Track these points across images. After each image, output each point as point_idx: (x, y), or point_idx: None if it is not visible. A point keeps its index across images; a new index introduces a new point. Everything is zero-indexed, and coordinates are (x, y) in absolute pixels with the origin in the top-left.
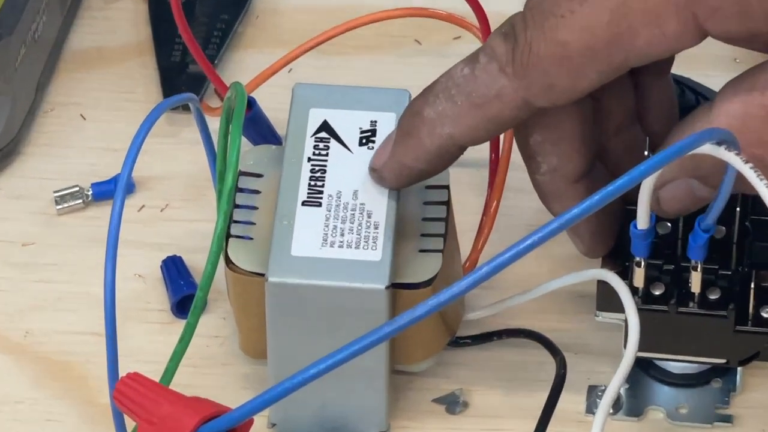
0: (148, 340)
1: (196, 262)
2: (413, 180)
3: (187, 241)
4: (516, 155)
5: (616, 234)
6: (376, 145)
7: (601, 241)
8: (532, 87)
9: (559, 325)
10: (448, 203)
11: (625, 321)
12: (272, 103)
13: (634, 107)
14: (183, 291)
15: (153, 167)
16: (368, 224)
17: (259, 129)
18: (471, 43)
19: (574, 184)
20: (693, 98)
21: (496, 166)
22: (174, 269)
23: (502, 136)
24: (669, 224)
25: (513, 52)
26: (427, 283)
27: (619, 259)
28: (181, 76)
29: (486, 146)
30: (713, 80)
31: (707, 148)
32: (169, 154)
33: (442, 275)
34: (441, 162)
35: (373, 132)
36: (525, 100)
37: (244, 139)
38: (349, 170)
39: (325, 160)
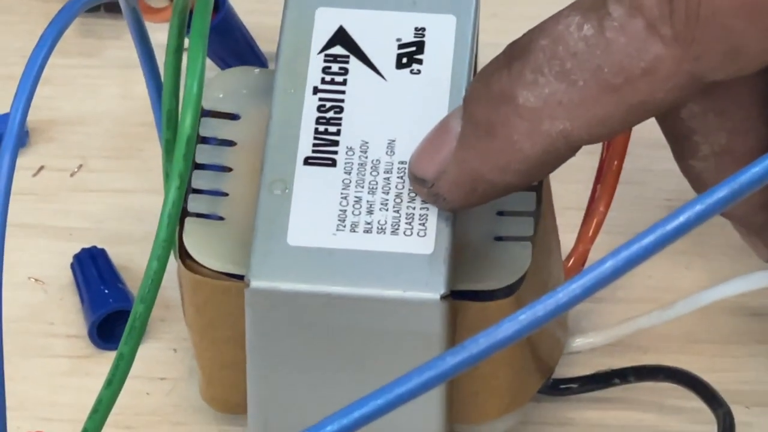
0: (52, 385)
1: (130, 258)
2: (491, 198)
3: (114, 224)
4: None
5: None
6: (426, 70)
7: None
8: (707, 55)
9: (717, 362)
10: None
11: None
12: (250, 2)
13: None
14: (109, 306)
15: (58, 106)
16: (413, 195)
17: (231, 43)
18: None
19: None
20: None
21: None
22: (93, 270)
23: None
24: None
25: (671, 2)
26: (508, 291)
27: None
28: None
29: None
30: None
31: None
32: (84, 85)
33: (533, 279)
34: (541, 171)
35: (420, 46)
36: (692, 75)
37: (208, 61)
38: (381, 108)
39: (342, 92)
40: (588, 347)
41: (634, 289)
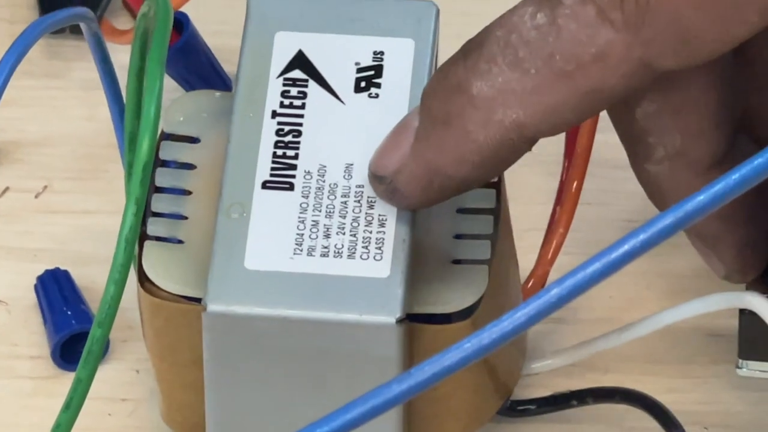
0: (15, 407)
1: (93, 279)
2: (448, 194)
3: (78, 246)
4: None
5: None
6: (384, 94)
7: (751, 260)
8: (657, 41)
9: (678, 383)
10: (498, 186)
11: None
12: (215, 23)
13: None
14: (71, 327)
15: (23, 127)
16: (369, 219)
17: (195, 65)
18: None
19: (708, 173)
20: None
21: (577, 127)
22: (56, 292)
23: None
24: None
25: None
26: (465, 314)
27: None
28: None
29: None
30: None
31: None
32: (49, 106)
33: (490, 302)
34: (497, 164)
35: (378, 70)
36: (643, 62)
37: (169, 82)
38: (339, 132)
39: (301, 116)
40: (547, 368)
41: (595, 310)
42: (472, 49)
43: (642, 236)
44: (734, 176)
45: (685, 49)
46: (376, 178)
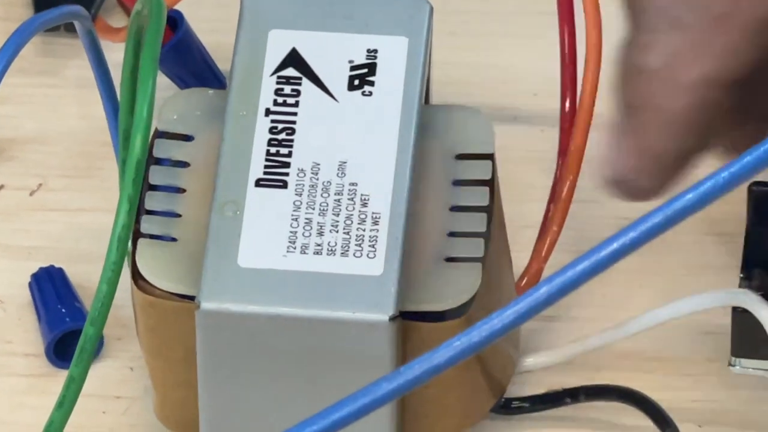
0: (10, 404)
1: (88, 277)
2: (680, 167)
3: (73, 243)
4: (603, 103)
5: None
6: (377, 91)
7: (665, 169)
8: None
9: (672, 381)
10: (492, 183)
11: None
12: (209, 21)
13: None
14: (65, 325)
15: (18, 125)
16: (363, 217)
17: (189, 62)
18: None
19: None
20: None
21: (572, 124)
22: (50, 289)
23: (580, 76)
24: None
25: None
26: (458, 312)
27: (765, 274)
28: None
29: (553, 87)
30: None
31: None
32: (45, 104)
33: (483, 299)
34: (705, 121)
35: (372, 68)
36: None
37: (164, 80)
38: (333, 130)
39: (294, 114)
40: (540, 366)
41: (588, 308)
42: (630, 27)
43: (631, 234)
44: (723, 174)
45: None
46: (614, 184)
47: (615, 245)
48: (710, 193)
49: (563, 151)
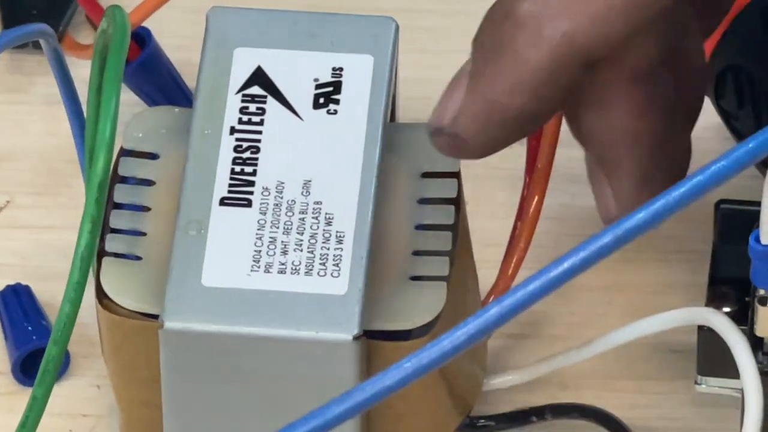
0: None
1: (54, 295)
2: (511, 132)
3: (40, 261)
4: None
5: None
6: (343, 110)
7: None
8: None
9: (637, 399)
10: (458, 201)
11: (742, 393)
12: (177, 38)
13: None
14: (31, 343)
15: None
16: (327, 236)
17: (156, 80)
18: None
19: (629, 85)
20: None
21: (538, 142)
22: (17, 307)
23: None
24: None
25: None
26: (423, 331)
27: (731, 292)
28: None
29: None
30: None
31: None
32: (12, 121)
33: (448, 318)
34: (554, 89)
35: (337, 86)
36: None
37: (132, 97)
38: (298, 149)
39: (259, 132)
40: (507, 384)
41: (556, 326)
42: None
43: (582, 254)
44: (674, 194)
45: None
46: (436, 131)
47: (565, 265)
48: (661, 212)
49: (530, 169)
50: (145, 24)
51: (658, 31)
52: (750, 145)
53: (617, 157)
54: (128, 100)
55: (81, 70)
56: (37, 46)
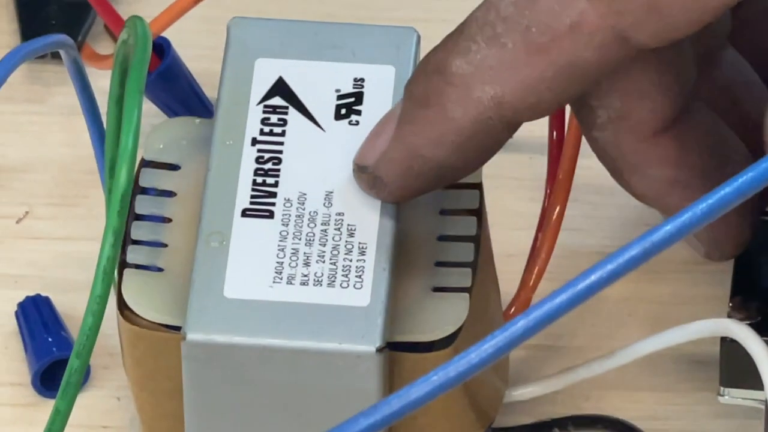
0: None
1: (74, 306)
2: (430, 183)
3: (59, 272)
4: None
5: (754, 223)
6: (365, 121)
7: (731, 238)
8: (630, 11)
9: (660, 411)
10: (479, 212)
11: (766, 404)
12: (197, 48)
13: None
14: (51, 354)
15: (4, 152)
16: (350, 247)
17: (176, 90)
18: None
19: (654, 138)
20: None
21: (559, 152)
22: (37, 318)
23: (568, 107)
24: None
25: None
26: (446, 343)
27: (753, 303)
28: (50, 5)
29: (543, 121)
30: None
31: None
32: (31, 132)
33: (471, 330)
34: (477, 149)
35: (359, 97)
36: (616, 32)
37: (152, 108)
38: (319, 160)
39: (281, 143)
40: (529, 396)
41: (578, 337)
42: (452, 32)
43: (609, 267)
44: (701, 206)
45: (658, 20)
46: (359, 168)
47: (593, 277)
48: (688, 224)
49: (551, 179)
50: (164, 34)
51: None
52: None
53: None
54: (148, 110)
55: (100, 81)
56: (55, 56)
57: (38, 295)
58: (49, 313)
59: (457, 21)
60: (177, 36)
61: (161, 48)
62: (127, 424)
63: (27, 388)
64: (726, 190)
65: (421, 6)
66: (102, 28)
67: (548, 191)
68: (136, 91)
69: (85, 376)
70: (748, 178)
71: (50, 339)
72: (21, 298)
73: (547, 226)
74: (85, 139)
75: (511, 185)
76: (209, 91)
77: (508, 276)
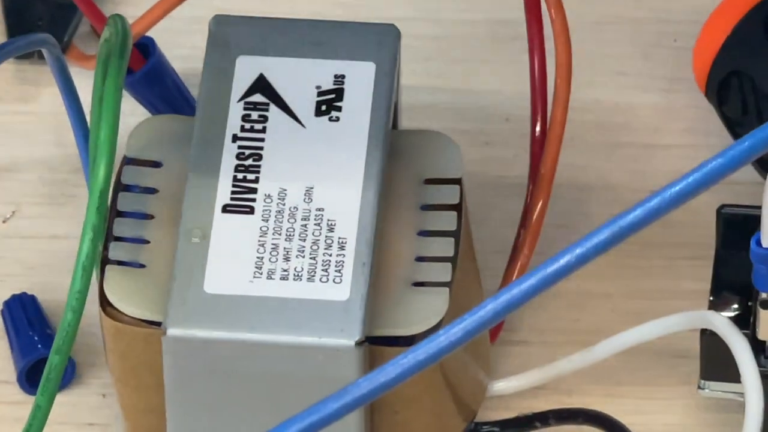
0: None
1: (60, 304)
2: None
3: (46, 271)
4: (573, 127)
5: None
6: (345, 117)
7: None
8: None
9: (643, 405)
10: (460, 207)
11: (744, 396)
12: (182, 47)
13: None
14: (37, 352)
15: None
16: (329, 242)
17: (161, 89)
18: None
19: None
20: None
21: (542, 148)
22: (22, 317)
23: (550, 99)
24: None
25: None
26: (425, 337)
27: (733, 297)
28: (36, 5)
29: (525, 113)
30: None
31: None
32: (19, 131)
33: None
34: None
35: (339, 94)
36: None
37: (137, 106)
38: (300, 156)
39: (261, 140)
40: (511, 390)
41: (560, 332)
42: None
43: (578, 251)
44: (670, 191)
45: None
46: None
47: (561, 261)
48: (656, 209)
49: (534, 176)
50: (150, 34)
51: None
52: (746, 143)
53: None
54: (134, 110)
55: (86, 80)
56: (42, 56)
57: (24, 294)
58: (34, 311)
59: (444, 20)
60: (163, 36)
61: (146, 47)
62: (113, 421)
63: (13, 386)
64: (694, 176)
65: (411, 5)
66: (89, 28)
67: (530, 188)
68: (115, 85)
69: (70, 374)
70: (716, 164)
71: (36, 337)
72: (7, 296)
73: (530, 223)
74: (71, 138)
75: (496, 182)
76: (195, 91)
77: (493, 272)
